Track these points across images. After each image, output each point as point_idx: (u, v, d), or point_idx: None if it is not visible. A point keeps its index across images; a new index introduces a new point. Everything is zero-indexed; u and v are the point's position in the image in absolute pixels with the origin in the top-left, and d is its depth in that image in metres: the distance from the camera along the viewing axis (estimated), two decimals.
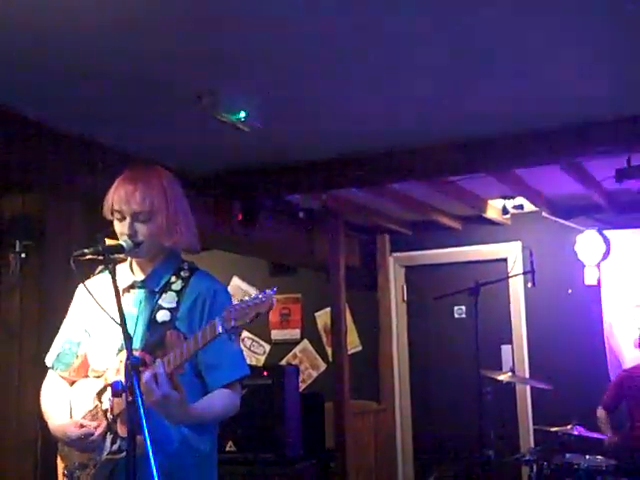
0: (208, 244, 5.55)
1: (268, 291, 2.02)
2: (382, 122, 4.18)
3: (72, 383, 2.46)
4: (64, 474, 2.37)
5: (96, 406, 2.30)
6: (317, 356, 7.35)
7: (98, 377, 2.35)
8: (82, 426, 2.26)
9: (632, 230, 6.35)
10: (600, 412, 5.65)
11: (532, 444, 6.25)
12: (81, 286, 2.43)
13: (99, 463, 2.25)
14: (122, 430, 2.20)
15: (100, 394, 2.30)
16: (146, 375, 2.06)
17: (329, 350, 6.93)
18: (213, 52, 3.17)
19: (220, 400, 2.32)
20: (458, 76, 3.52)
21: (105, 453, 2.24)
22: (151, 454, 1.81)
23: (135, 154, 4.39)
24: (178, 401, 2.11)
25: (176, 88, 3.54)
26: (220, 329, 2.04)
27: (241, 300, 2.05)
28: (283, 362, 7.26)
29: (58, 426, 2.35)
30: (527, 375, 6.52)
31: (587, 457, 4.96)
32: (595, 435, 5.20)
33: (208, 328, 2.09)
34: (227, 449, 5.03)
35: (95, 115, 3.88)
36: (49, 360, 2.51)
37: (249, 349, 7.53)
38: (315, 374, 7.33)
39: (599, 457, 4.97)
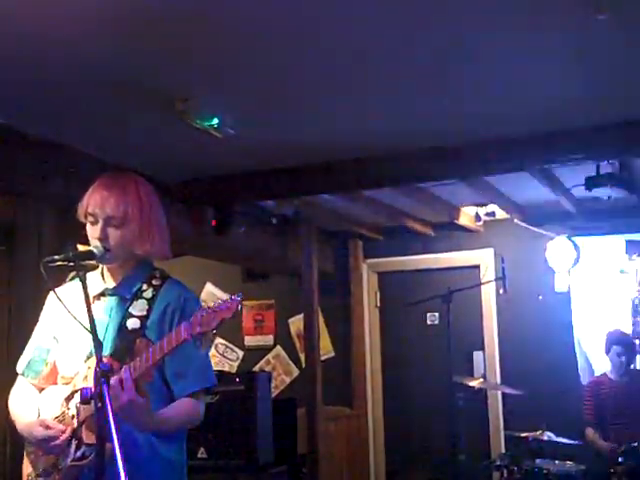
0: (181, 250, 5.55)
1: (234, 296, 2.03)
2: (354, 129, 4.20)
3: (41, 391, 2.45)
4: None
5: (63, 412, 2.29)
6: (290, 362, 7.35)
7: (67, 384, 2.34)
8: (48, 427, 2.25)
9: (602, 237, 6.43)
10: (588, 432, 5.55)
11: (503, 449, 6.30)
12: (52, 293, 2.42)
13: (64, 469, 2.24)
14: (87, 437, 2.20)
15: (68, 400, 2.30)
16: (112, 380, 2.06)
17: (302, 356, 6.93)
18: (186, 59, 3.18)
19: (184, 409, 2.32)
20: (429, 83, 3.55)
21: (69, 459, 2.23)
22: (120, 461, 1.81)
23: (108, 160, 4.38)
24: (143, 407, 2.11)
25: (149, 94, 3.54)
26: (185, 335, 2.05)
27: (208, 306, 2.05)
28: (256, 368, 7.25)
29: (25, 425, 2.34)
30: (498, 381, 6.57)
31: (557, 462, 5.02)
32: (565, 441, 5.24)
33: (174, 334, 2.09)
34: (199, 456, 5.00)
35: (68, 120, 3.87)
36: (20, 367, 2.51)
37: (222, 355, 7.52)
38: (288, 380, 7.33)
39: (569, 462, 5.03)
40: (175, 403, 2.31)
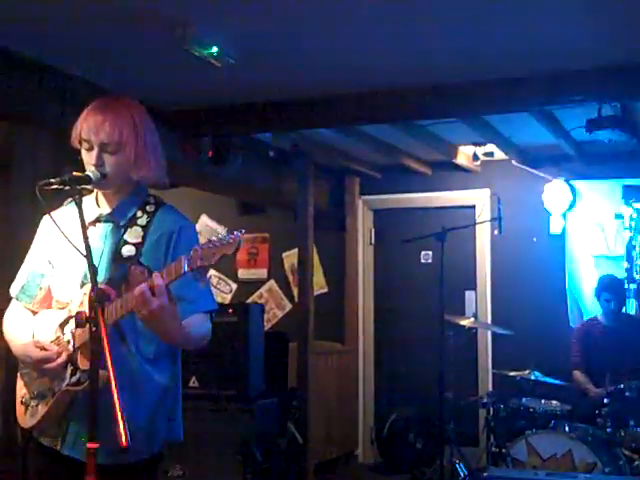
0: (177, 181, 5.52)
1: (236, 232, 2.01)
2: (354, 63, 4.14)
3: (35, 314, 2.46)
4: (21, 402, 2.38)
5: (58, 337, 2.30)
6: (283, 296, 7.39)
7: (62, 309, 2.35)
8: (44, 348, 2.26)
9: (599, 181, 6.42)
10: (576, 374, 5.56)
11: (490, 388, 6.39)
12: (46, 217, 2.41)
13: (58, 393, 2.26)
14: (82, 363, 2.21)
15: (63, 325, 2.30)
16: (142, 286, 2.06)
17: (295, 291, 6.96)
18: None
19: (199, 323, 2.32)
20: (430, 18, 3.49)
21: (64, 384, 2.25)
22: (114, 385, 1.82)
23: (105, 86, 4.32)
24: (173, 313, 2.12)
25: (149, 20, 3.47)
26: (185, 268, 2.04)
27: (209, 240, 2.04)
28: (249, 301, 7.29)
29: (20, 346, 2.35)
30: (489, 321, 6.63)
31: (542, 401, 5.09)
32: (552, 381, 5.31)
33: (174, 266, 2.08)
34: (190, 384, 5.06)
35: (66, 45, 3.80)
36: (13, 291, 2.50)
37: (216, 287, 7.56)
38: (280, 314, 7.38)
39: (554, 402, 5.10)
40: (193, 316, 2.30)
